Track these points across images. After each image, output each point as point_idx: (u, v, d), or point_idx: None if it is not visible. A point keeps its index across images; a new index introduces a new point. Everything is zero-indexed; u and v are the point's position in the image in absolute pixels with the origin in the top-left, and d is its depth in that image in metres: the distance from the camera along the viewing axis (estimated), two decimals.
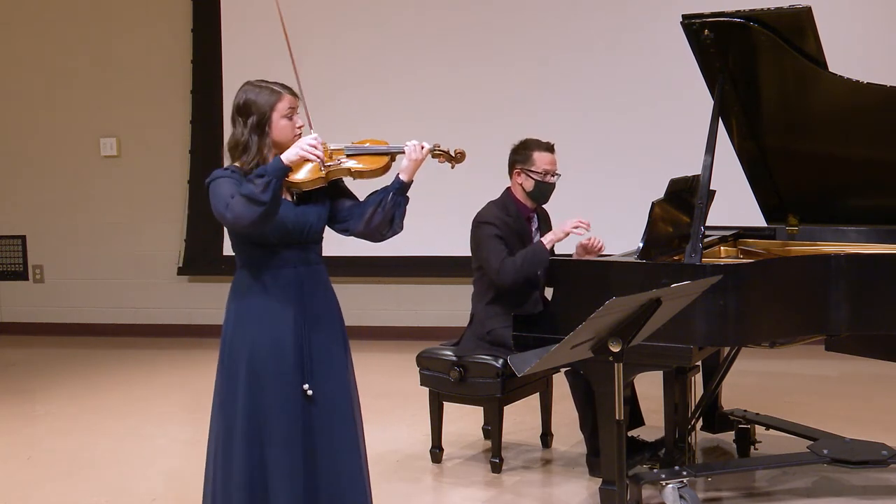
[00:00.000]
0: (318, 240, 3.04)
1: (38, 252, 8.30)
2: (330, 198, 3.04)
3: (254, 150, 2.90)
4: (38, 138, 8.18)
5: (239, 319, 2.97)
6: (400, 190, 2.97)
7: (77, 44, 8.04)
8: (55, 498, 4.23)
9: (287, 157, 2.81)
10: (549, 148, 4.28)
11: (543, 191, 4.26)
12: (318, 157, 2.82)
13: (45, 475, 4.52)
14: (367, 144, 3.01)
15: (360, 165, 2.96)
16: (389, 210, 2.96)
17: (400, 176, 2.98)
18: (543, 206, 4.39)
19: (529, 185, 4.25)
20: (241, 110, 2.93)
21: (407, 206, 3.00)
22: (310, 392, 2.93)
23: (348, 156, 2.96)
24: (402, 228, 3.03)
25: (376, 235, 3.01)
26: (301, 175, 2.93)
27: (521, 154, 4.27)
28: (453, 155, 3.06)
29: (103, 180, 8.07)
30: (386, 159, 2.97)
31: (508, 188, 4.33)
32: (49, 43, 8.08)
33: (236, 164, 2.95)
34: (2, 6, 8.18)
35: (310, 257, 2.99)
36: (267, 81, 2.97)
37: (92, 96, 8.03)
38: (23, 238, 8.32)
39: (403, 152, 2.97)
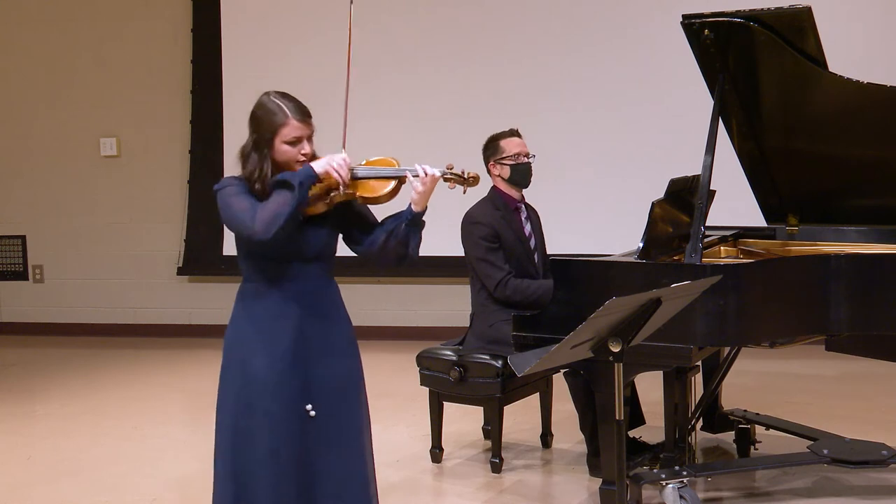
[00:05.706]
0: (327, 257, 2.91)
1: (38, 252, 8.28)
2: (347, 217, 2.91)
3: (252, 164, 2.80)
4: (38, 138, 8.17)
5: (237, 335, 2.86)
6: (412, 221, 2.86)
7: (77, 44, 8.02)
8: (55, 498, 4.23)
9: (318, 167, 2.73)
10: (514, 133, 4.39)
11: (521, 172, 4.33)
12: (341, 180, 2.73)
13: (45, 475, 4.52)
14: (376, 167, 2.86)
15: (367, 193, 2.83)
16: (402, 240, 2.86)
17: (412, 207, 2.85)
18: (526, 195, 4.44)
19: (506, 171, 4.33)
20: (250, 122, 2.85)
21: (422, 234, 2.89)
22: (312, 413, 2.82)
23: (355, 179, 2.83)
24: (417, 256, 2.92)
25: (390, 263, 2.91)
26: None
27: (490, 148, 4.38)
28: (466, 178, 2.88)
29: (103, 180, 8.06)
30: (394, 183, 2.83)
31: (493, 185, 4.41)
32: (49, 43, 8.06)
33: (242, 172, 2.87)
34: (1, 6, 8.17)
35: (317, 274, 2.87)
36: (286, 99, 2.83)
37: (92, 96, 8.02)
38: (23, 238, 8.31)
39: (417, 176, 2.81)
